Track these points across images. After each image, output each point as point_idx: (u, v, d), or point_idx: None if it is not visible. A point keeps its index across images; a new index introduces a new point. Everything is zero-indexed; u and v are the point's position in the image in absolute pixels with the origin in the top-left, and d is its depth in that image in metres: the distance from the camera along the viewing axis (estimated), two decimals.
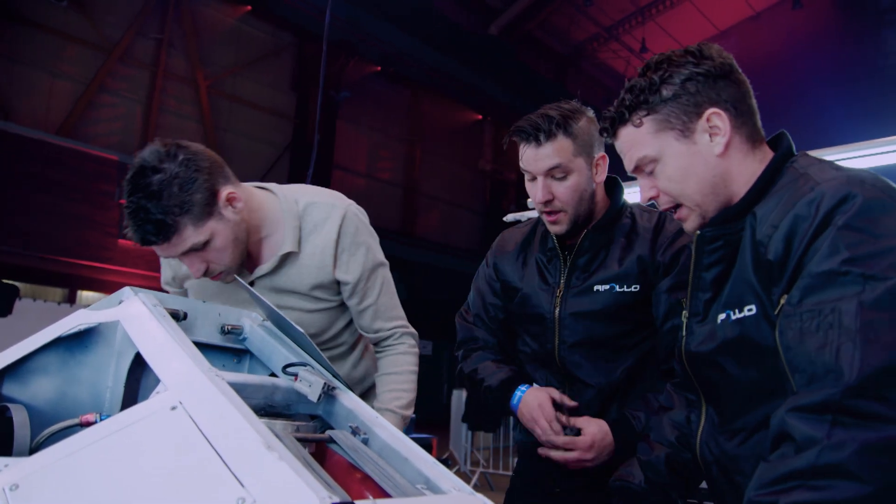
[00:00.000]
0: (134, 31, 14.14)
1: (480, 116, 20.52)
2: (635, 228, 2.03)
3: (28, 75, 12.76)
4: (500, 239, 2.29)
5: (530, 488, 2.13)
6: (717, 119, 1.36)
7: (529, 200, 3.33)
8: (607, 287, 1.97)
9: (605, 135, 1.52)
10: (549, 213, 1.98)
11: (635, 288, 1.96)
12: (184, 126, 14.84)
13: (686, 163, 1.39)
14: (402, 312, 2.23)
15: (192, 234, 1.80)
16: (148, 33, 14.41)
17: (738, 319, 1.34)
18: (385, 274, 2.17)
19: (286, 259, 2.01)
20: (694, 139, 1.38)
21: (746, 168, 1.39)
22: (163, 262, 2.14)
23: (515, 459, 9.44)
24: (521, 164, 1.98)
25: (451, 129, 20.05)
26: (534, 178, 1.96)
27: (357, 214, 2.09)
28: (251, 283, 2.01)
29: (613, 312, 1.97)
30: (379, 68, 17.58)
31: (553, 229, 2.01)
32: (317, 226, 2.03)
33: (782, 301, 1.22)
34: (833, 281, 1.13)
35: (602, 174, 2.01)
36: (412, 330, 2.24)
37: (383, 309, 2.16)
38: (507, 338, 2.24)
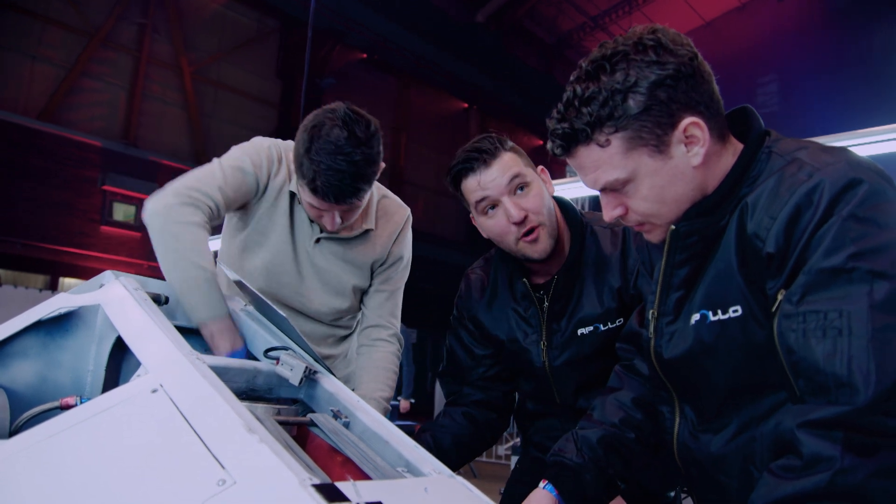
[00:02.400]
0: (116, 16, 13.94)
1: (466, 105, 20.45)
2: (602, 255, 1.93)
3: (7, 59, 12.56)
4: (464, 284, 2.16)
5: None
6: (695, 129, 1.21)
7: None
8: (591, 329, 1.91)
9: (557, 152, 1.31)
10: (527, 235, 1.85)
11: (619, 322, 1.89)
12: (168, 112, 14.71)
13: (663, 181, 1.24)
14: (400, 318, 2.34)
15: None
16: (131, 17, 14.23)
17: (720, 321, 1.26)
18: (406, 275, 2.34)
19: (364, 234, 2.18)
20: (669, 153, 1.22)
21: (720, 168, 1.27)
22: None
23: (499, 447, 9.40)
24: (474, 200, 1.87)
25: (437, 118, 19.98)
26: (496, 205, 1.85)
27: (411, 219, 2.33)
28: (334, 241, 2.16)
29: (604, 350, 1.89)
30: (365, 56, 17.46)
31: (536, 249, 1.87)
32: (387, 214, 2.25)
33: (780, 297, 1.14)
34: (839, 278, 1.05)
35: (551, 186, 1.95)
36: (401, 336, 2.32)
37: (395, 301, 2.31)
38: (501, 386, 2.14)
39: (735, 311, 1.24)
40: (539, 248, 1.86)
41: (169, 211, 1.82)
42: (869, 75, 14.67)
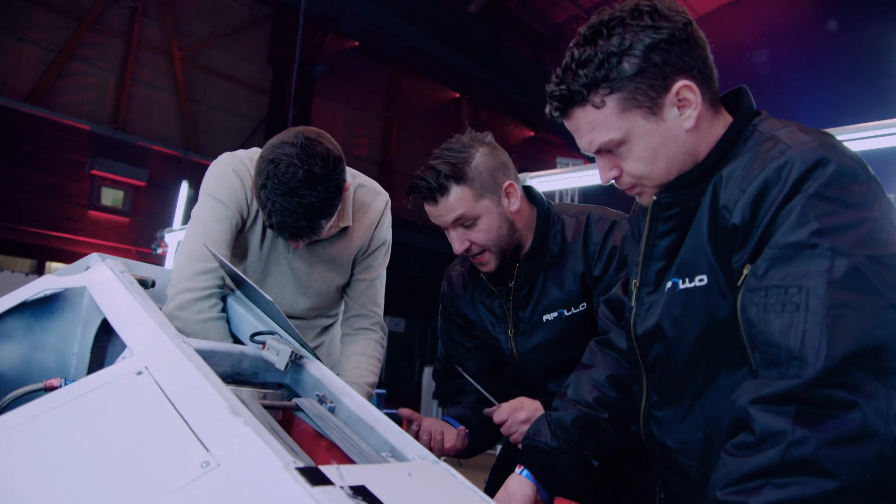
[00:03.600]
0: None
1: (458, 95, 20.39)
2: (566, 243, 1.94)
3: None
4: (447, 283, 2.21)
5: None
6: (688, 92, 1.24)
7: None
8: (555, 315, 1.93)
9: (555, 115, 1.34)
10: (473, 257, 1.92)
11: (583, 307, 1.92)
12: (158, 97, 14.59)
13: (656, 142, 1.26)
14: (383, 304, 2.32)
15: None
16: (121, 1, 14.08)
17: (686, 289, 1.28)
18: (387, 259, 2.33)
19: (342, 231, 2.15)
20: (662, 115, 1.25)
21: (712, 135, 1.29)
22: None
23: None
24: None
25: (429, 107, 19.92)
26: (447, 230, 1.90)
27: (389, 203, 2.30)
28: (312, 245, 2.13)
29: (569, 335, 1.93)
30: (357, 44, 17.37)
31: (484, 270, 1.94)
32: (364, 205, 2.20)
33: (745, 271, 1.16)
34: (801, 253, 1.07)
35: (515, 201, 1.90)
36: (384, 323, 2.31)
37: (376, 289, 2.29)
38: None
39: (701, 279, 1.26)
40: (486, 268, 1.93)
41: (187, 313, 1.81)
42: (861, 71, 14.72)
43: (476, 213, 1.84)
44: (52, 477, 0.94)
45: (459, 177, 1.81)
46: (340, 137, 18.22)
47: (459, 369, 2.03)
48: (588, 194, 9.58)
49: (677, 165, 1.29)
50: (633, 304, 1.44)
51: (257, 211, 2.04)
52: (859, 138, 4.27)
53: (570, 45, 1.30)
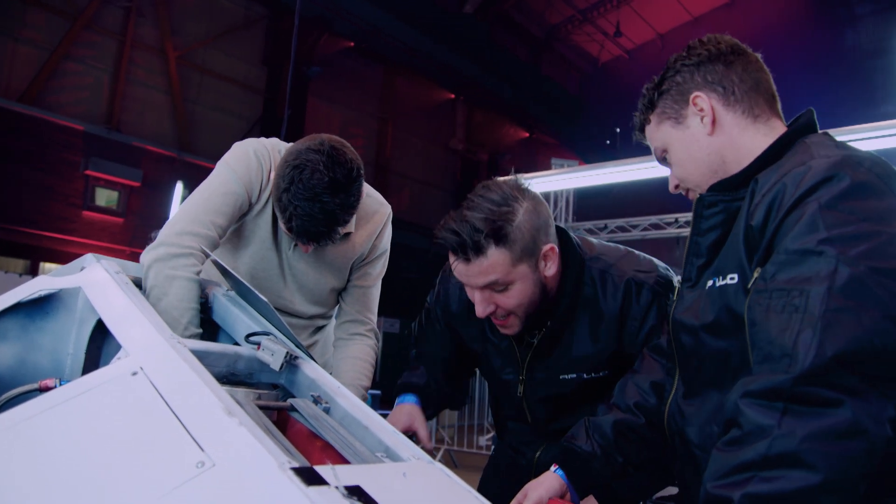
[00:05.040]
0: None
1: (453, 95, 20.39)
2: (598, 308, 1.77)
3: None
4: (442, 291, 2.07)
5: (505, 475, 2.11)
6: (701, 101, 1.43)
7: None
8: (573, 376, 1.81)
9: (639, 136, 1.60)
10: (496, 318, 1.74)
11: (604, 374, 1.81)
12: (152, 97, 14.54)
13: (684, 147, 1.47)
14: (376, 312, 2.36)
15: None
16: (116, 1, 14.06)
17: (720, 287, 1.34)
18: (384, 269, 2.36)
19: (344, 237, 2.16)
20: (687, 124, 1.46)
21: (747, 141, 1.41)
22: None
23: (480, 437, 9.40)
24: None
25: (424, 108, 19.91)
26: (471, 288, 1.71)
27: (391, 215, 2.35)
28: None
29: (584, 391, 1.84)
30: (352, 44, 17.35)
31: (505, 332, 1.78)
32: (367, 214, 2.23)
33: (755, 274, 1.22)
34: (807, 259, 1.11)
35: (553, 266, 1.71)
36: (377, 331, 2.35)
37: (371, 296, 2.33)
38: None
39: (732, 278, 1.31)
40: (508, 331, 1.77)
41: (160, 264, 1.82)
42: (855, 73, 14.79)
43: (511, 278, 1.64)
44: (47, 478, 0.95)
45: (500, 238, 1.59)
46: None
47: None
48: (582, 195, 9.62)
49: (705, 165, 1.45)
50: (674, 298, 1.53)
51: (267, 199, 2.07)
52: (853, 140, 4.30)
53: None
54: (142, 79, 14.41)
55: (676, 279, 1.65)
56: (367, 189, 2.25)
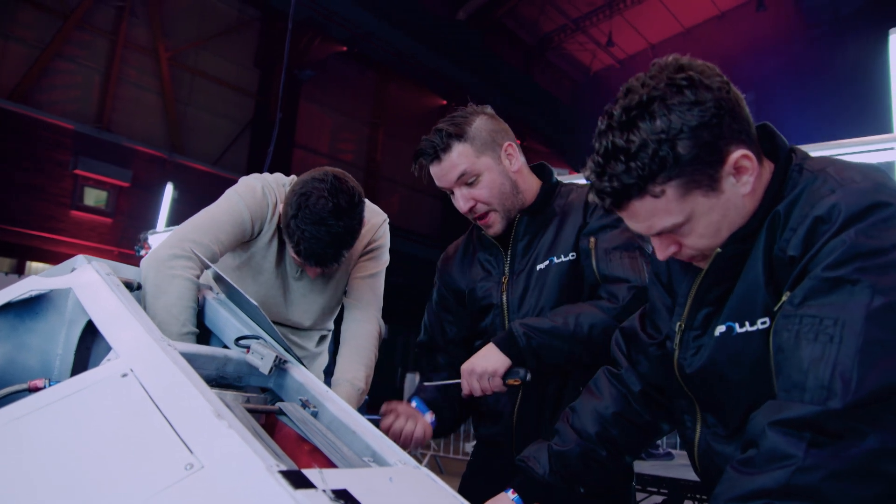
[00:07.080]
0: None
1: (445, 102, 20.40)
2: (569, 203, 2.03)
3: None
4: (442, 255, 2.32)
5: (486, 476, 2.14)
6: (745, 161, 1.20)
7: None
8: (546, 263, 1.98)
9: (606, 208, 1.29)
10: (479, 219, 2.02)
11: (572, 256, 1.95)
12: (143, 98, 14.51)
13: (718, 216, 1.23)
14: (381, 302, 2.40)
15: None
16: (108, 0, 14.02)
17: (747, 333, 1.27)
18: (383, 264, 2.43)
19: None
20: (721, 188, 1.21)
21: (761, 185, 1.27)
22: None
23: (466, 444, 9.36)
24: (437, 185, 2.02)
25: (415, 113, 19.91)
26: (452, 192, 2.00)
27: (388, 222, 2.46)
28: None
29: (558, 286, 1.95)
30: (345, 48, 17.35)
31: (490, 232, 2.04)
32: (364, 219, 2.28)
33: (784, 298, 1.17)
34: (841, 287, 1.08)
35: (516, 162, 2.03)
36: (382, 321, 2.38)
37: (375, 285, 2.36)
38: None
39: (763, 322, 1.25)
40: (491, 230, 2.03)
41: (160, 264, 1.91)
42: (844, 86, 14.91)
43: (477, 169, 1.95)
44: (35, 478, 0.95)
45: (461, 135, 1.94)
46: (326, 142, 18.35)
47: (426, 384, 2.10)
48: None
49: (737, 227, 1.26)
50: (675, 345, 1.43)
51: (274, 232, 2.20)
52: (842, 154, 4.33)
53: (601, 128, 1.24)
54: (133, 79, 14.37)
55: None
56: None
